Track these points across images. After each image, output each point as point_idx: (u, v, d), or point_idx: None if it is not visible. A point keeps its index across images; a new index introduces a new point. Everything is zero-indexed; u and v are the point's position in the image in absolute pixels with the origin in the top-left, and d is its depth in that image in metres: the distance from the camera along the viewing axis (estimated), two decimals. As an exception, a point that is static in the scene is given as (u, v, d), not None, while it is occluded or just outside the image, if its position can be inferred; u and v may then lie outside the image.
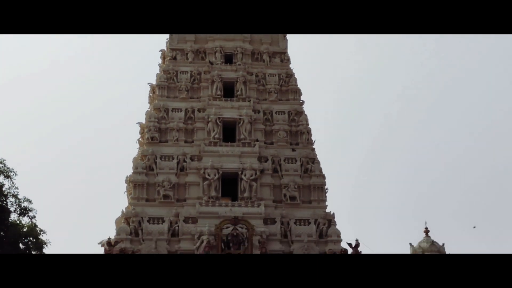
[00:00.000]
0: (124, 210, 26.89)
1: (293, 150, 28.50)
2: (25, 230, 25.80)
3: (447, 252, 40.18)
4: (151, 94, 30.49)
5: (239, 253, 25.02)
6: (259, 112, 29.05)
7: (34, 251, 25.89)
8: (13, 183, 25.85)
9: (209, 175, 26.97)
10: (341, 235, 26.55)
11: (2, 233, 24.77)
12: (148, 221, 26.18)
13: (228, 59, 30.65)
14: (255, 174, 27.15)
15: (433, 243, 40.26)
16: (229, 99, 29.18)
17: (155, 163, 27.50)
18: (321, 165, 28.25)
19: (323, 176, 27.92)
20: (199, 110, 28.86)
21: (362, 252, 25.38)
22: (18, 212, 25.87)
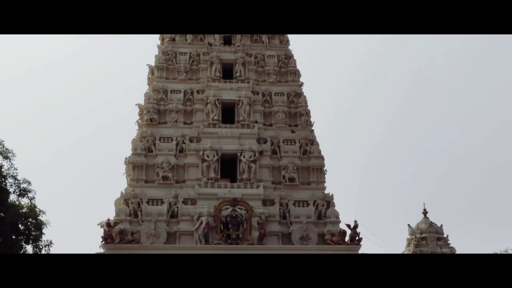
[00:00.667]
0: (123, 191, 26.87)
1: (293, 131, 28.38)
2: (24, 210, 25.70)
3: (444, 233, 40.36)
4: (150, 76, 30.33)
5: (237, 234, 25.03)
6: (258, 93, 28.92)
7: (34, 231, 25.82)
8: (12, 164, 25.74)
9: (208, 156, 26.89)
10: (340, 217, 26.55)
11: (1, 214, 24.68)
12: (147, 202, 26.15)
13: (227, 40, 30.47)
14: (254, 155, 27.08)
15: (431, 224, 40.43)
16: (228, 80, 29.05)
17: (154, 144, 27.41)
18: (320, 147, 28.17)
19: (322, 158, 27.85)
20: (198, 92, 28.73)
21: (360, 234, 25.37)
22: (18, 193, 25.76)
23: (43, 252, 25.83)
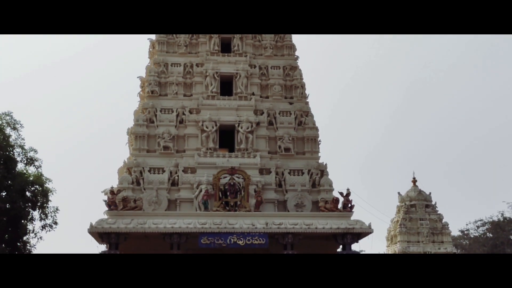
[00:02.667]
0: (126, 160, 26.96)
1: (290, 103, 28.36)
2: (31, 179, 25.78)
3: (433, 200, 40.66)
4: (151, 50, 30.20)
5: (235, 201, 25.14)
6: (255, 67, 28.84)
7: (40, 198, 25.93)
8: (19, 134, 25.78)
9: (207, 127, 26.93)
10: (333, 185, 26.67)
11: (9, 181, 24.75)
12: (149, 171, 26.25)
13: (225, 16, 30.22)
14: (251, 126, 27.13)
15: (420, 192, 40.76)
16: (226, 54, 28.93)
17: (155, 115, 27.41)
18: (315, 118, 28.19)
19: (316, 129, 27.91)
20: (197, 65, 28.66)
21: (352, 201, 25.51)
22: (25, 161, 25.83)
23: (49, 218, 25.96)
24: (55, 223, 26.44)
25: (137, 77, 29.49)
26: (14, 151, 25.49)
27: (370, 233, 24.90)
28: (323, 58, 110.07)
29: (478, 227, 63.45)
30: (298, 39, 30.91)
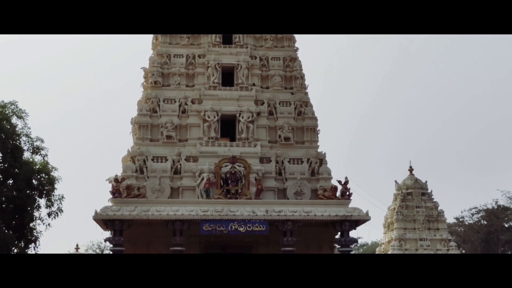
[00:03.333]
0: (130, 149, 26.96)
1: (292, 93, 28.31)
2: (37, 167, 25.78)
3: (429, 188, 40.65)
4: (154, 41, 30.12)
5: (236, 189, 25.15)
6: (255, 58, 28.75)
7: (46, 186, 25.94)
8: (25, 123, 25.72)
9: (209, 117, 26.91)
10: (332, 173, 26.69)
11: (16, 170, 24.74)
12: (152, 159, 26.28)
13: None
14: (252, 116, 27.10)
15: (416, 180, 40.70)
16: (227, 45, 28.83)
17: (158, 105, 27.39)
18: (314, 109, 28.17)
19: (316, 119, 27.88)
20: (199, 56, 28.58)
21: (350, 189, 25.52)
22: (31, 150, 25.81)
23: (55, 205, 25.98)
24: (61, 210, 26.51)
25: (141, 68, 29.45)
26: (20, 140, 25.47)
27: (368, 220, 24.94)
28: (324, 49, 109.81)
29: (472, 214, 63.64)
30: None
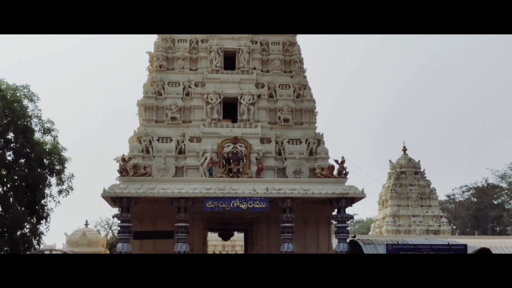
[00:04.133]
0: (136, 130, 27.02)
1: (291, 77, 28.28)
2: (48, 147, 25.84)
3: (421, 167, 40.73)
4: (159, 26, 29.97)
5: (238, 168, 25.23)
6: (256, 43, 28.67)
7: (57, 165, 26.05)
8: (36, 106, 25.75)
9: (211, 99, 26.92)
10: (329, 153, 26.76)
11: (28, 150, 24.82)
12: (158, 140, 26.35)
13: None
14: (253, 98, 27.11)
15: (410, 160, 40.76)
16: (229, 30, 28.69)
17: (163, 88, 27.39)
18: (312, 91, 28.14)
19: (314, 101, 27.87)
20: (202, 41, 28.50)
21: (347, 168, 25.58)
22: (42, 131, 25.85)
23: (65, 184, 26.08)
24: (71, 188, 26.64)
25: (146, 52, 29.38)
26: (31, 121, 25.51)
27: (363, 197, 25.04)
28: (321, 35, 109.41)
29: (463, 192, 63.86)
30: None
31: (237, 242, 39.08)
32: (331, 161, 26.16)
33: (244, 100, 27.06)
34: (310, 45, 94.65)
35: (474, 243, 27.11)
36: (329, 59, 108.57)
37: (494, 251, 26.15)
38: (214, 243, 38.85)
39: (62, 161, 26.19)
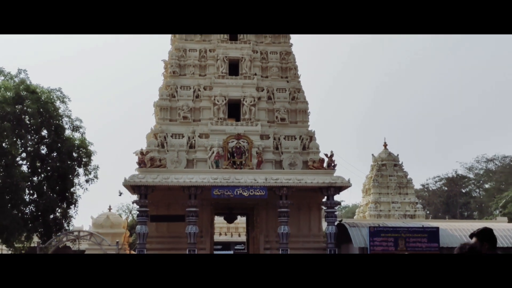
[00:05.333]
0: (153, 128, 27.04)
1: (287, 81, 28.26)
2: (77, 143, 25.80)
3: (400, 160, 40.75)
4: (172, 38, 29.98)
5: (241, 161, 25.26)
6: (257, 52, 28.66)
7: (84, 158, 26.00)
8: (67, 107, 25.68)
9: (218, 101, 26.94)
10: (320, 148, 26.81)
11: (59, 144, 24.82)
12: (171, 136, 26.39)
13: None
14: (254, 100, 27.14)
15: (390, 154, 40.69)
16: (233, 41, 28.70)
17: (176, 91, 27.41)
18: (305, 94, 28.16)
19: (307, 103, 27.90)
20: (210, 51, 28.48)
21: (335, 161, 25.62)
22: (71, 129, 25.80)
23: (91, 174, 26.01)
24: (96, 177, 26.59)
25: (161, 60, 29.36)
26: (62, 120, 25.46)
27: (349, 186, 25.11)
28: (314, 43, 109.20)
29: (436, 182, 63.88)
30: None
31: (239, 225, 39.13)
32: (321, 155, 26.20)
33: (246, 101, 27.07)
34: (298, 50, 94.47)
35: (445, 226, 27.19)
36: (316, 61, 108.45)
37: (462, 233, 26.22)
38: (220, 225, 38.92)
39: (88, 154, 26.12)
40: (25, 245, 25.55)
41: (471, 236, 5.25)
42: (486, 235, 5.14)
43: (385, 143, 41.61)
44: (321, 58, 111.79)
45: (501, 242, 25.78)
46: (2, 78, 24.75)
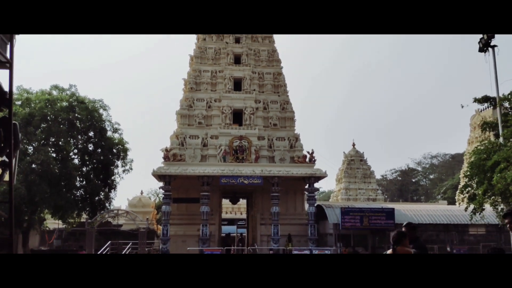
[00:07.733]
0: (175, 131, 26.97)
1: (278, 95, 28.17)
2: (116, 141, 25.76)
3: (365, 156, 40.75)
4: (190, 61, 29.89)
5: (242, 157, 25.20)
6: (255, 73, 28.60)
7: (122, 153, 25.92)
8: (108, 113, 25.65)
9: (225, 110, 26.87)
10: (303, 147, 26.80)
11: (103, 143, 24.77)
12: (189, 137, 26.31)
13: (237, 40, 29.68)
14: (253, 110, 27.08)
15: (357, 151, 40.69)
16: (237, 65, 28.64)
17: (193, 103, 27.32)
18: (292, 105, 28.12)
19: (293, 112, 27.86)
20: (219, 71, 28.41)
21: (315, 157, 25.59)
22: (112, 130, 25.77)
23: (127, 165, 25.87)
24: (131, 168, 26.58)
25: (182, 79, 29.28)
26: (104, 124, 25.42)
27: (326, 176, 25.13)
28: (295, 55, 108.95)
29: (392, 173, 63.96)
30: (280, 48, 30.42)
31: (241, 206, 39.10)
32: (304, 152, 26.23)
33: (247, 111, 27.03)
34: (293, 75, 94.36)
35: (399, 207, 27.20)
36: (302, 77, 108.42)
37: (412, 213, 26.19)
38: (226, 206, 38.85)
39: (125, 150, 26.08)
40: (76, 220, 25.51)
41: (505, 216, 4.88)
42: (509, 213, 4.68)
43: (353, 143, 41.62)
44: (300, 60, 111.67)
45: (441, 220, 25.80)
46: (58, 91, 24.69)
